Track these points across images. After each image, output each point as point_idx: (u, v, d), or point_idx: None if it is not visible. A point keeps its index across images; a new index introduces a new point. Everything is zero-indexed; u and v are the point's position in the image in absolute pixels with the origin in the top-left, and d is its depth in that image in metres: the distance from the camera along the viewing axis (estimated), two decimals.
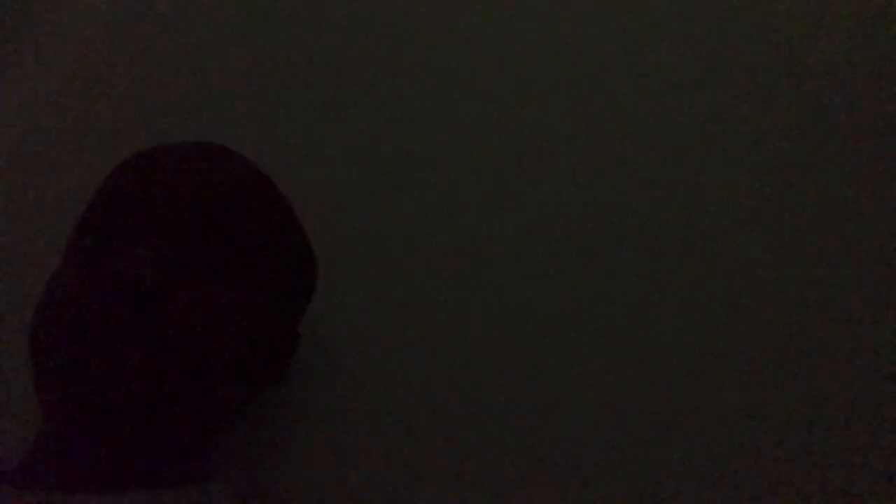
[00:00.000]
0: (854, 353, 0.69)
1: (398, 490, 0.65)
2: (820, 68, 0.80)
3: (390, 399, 0.69)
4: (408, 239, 0.78)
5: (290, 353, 0.64)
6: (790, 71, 0.82)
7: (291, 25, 0.94)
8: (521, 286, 0.74)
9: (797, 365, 0.68)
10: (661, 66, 0.85)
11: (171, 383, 0.50)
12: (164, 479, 0.53)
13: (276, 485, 0.66)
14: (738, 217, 0.75)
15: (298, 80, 0.90)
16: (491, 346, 0.71)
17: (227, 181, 0.57)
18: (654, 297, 0.73)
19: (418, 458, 0.66)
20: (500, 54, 0.89)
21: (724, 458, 0.65)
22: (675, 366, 0.69)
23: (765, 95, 0.81)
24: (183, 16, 0.93)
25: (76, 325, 0.49)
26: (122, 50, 0.90)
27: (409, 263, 0.76)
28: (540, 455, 0.66)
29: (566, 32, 0.90)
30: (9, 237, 0.76)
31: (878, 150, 0.76)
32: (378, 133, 0.85)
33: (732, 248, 0.74)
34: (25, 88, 0.86)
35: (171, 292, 0.51)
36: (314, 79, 0.90)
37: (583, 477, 0.64)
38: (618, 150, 0.81)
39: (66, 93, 0.86)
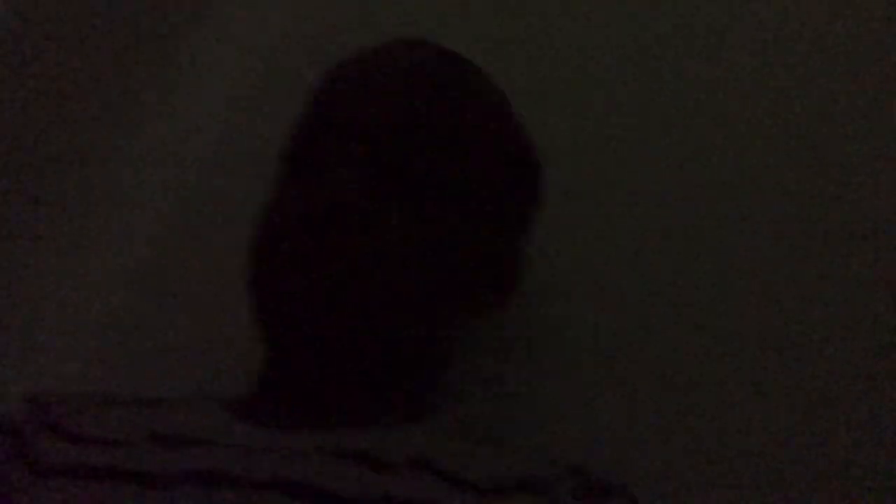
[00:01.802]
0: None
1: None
2: None
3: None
4: None
5: (516, 277, 0.59)
6: None
7: None
8: None
9: None
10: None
11: (391, 316, 0.48)
12: (390, 414, 0.50)
13: (496, 423, 0.62)
14: None
15: None
16: None
17: (435, 81, 0.52)
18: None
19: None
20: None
21: None
22: None
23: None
24: None
25: (288, 258, 0.47)
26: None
27: None
28: None
29: None
30: None
31: None
32: None
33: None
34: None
35: (381, 216, 0.48)
36: None
37: None
38: None
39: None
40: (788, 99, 0.74)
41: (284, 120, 0.56)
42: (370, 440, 0.46)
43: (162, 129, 0.76)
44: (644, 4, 0.78)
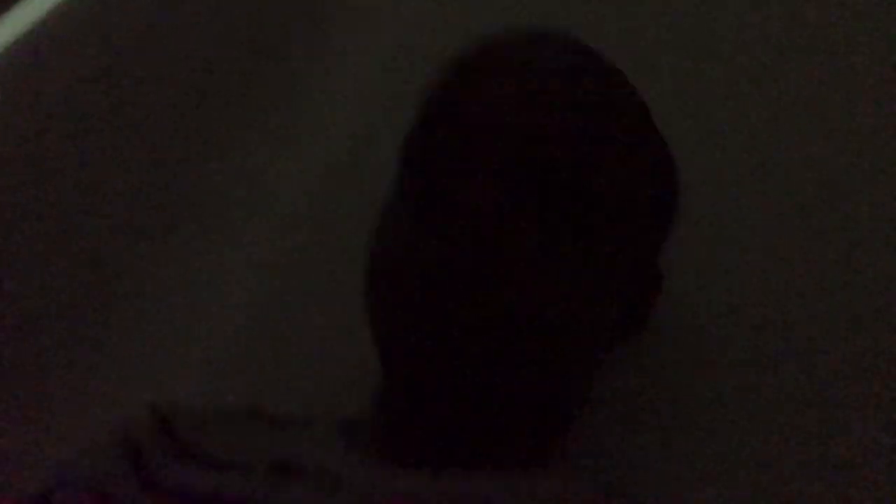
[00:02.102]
0: None
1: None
2: None
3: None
4: None
5: (655, 296, 0.53)
6: None
7: None
8: None
9: None
10: None
11: (531, 349, 0.42)
12: (518, 462, 0.46)
13: (633, 474, 0.56)
14: None
15: None
16: None
17: (581, 84, 0.45)
18: None
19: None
20: None
21: None
22: None
23: None
24: None
25: (412, 278, 0.41)
26: None
27: None
28: None
29: None
30: None
31: None
32: None
33: None
34: None
35: (521, 236, 0.41)
36: None
37: None
38: None
39: None
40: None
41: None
42: (501, 487, 0.43)
43: (291, 133, 0.73)
44: None
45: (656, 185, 0.51)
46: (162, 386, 0.62)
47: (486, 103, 0.43)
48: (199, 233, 0.69)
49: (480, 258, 0.40)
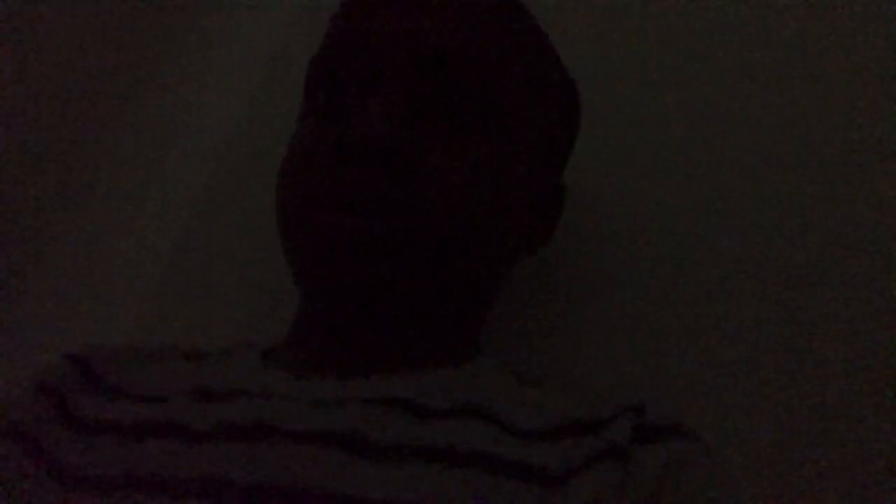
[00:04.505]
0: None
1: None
2: None
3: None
4: None
5: (559, 209, 0.57)
6: None
7: None
8: None
9: None
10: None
11: (430, 253, 0.44)
12: (433, 357, 0.47)
13: (546, 361, 0.60)
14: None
15: None
16: None
17: (472, 8, 0.47)
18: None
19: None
20: None
21: None
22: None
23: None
24: None
25: (322, 195, 0.43)
26: None
27: None
28: None
29: None
30: None
31: None
32: None
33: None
34: None
35: (414, 150, 0.43)
36: None
37: None
38: None
39: None
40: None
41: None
42: (413, 386, 0.44)
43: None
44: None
45: (560, 107, 0.54)
46: (80, 336, 0.65)
47: (382, 30, 0.45)
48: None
49: (388, 160, 0.42)
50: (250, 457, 0.39)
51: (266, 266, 0.62)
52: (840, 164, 0.61)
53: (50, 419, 0.46)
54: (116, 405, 0.46)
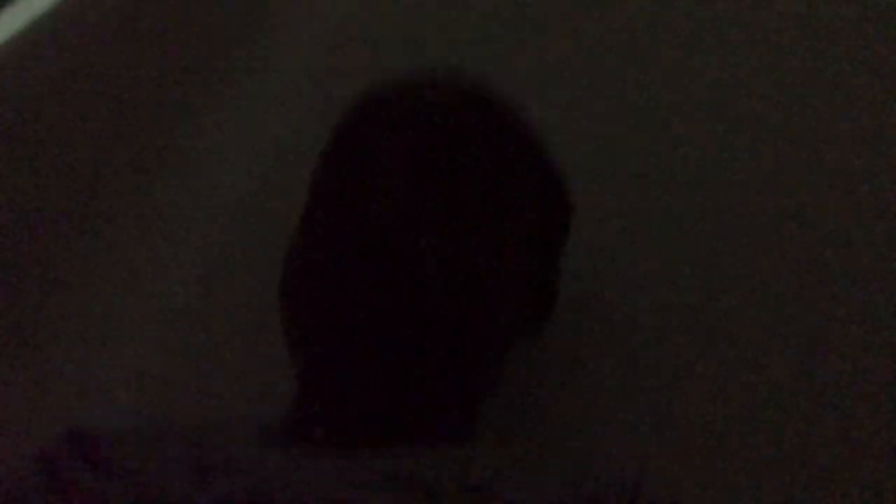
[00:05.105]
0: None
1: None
2: None
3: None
4: None
5: (552, 299, 0.61)
6: None
7: None
8: None
9: None
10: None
11: (430, 337, 0.47)
12: (426, 438, 0.50)
13: (537, 449, 0.63)
14: None
15: None
16: None
17: (470, 115, 0.53)
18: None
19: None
20: None
21: None
22: None
23: None
24: None
25: (325, 292, 0.47)
26: None
27: None
28: None
29: None
30: None
31: None
32: None
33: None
34: None
35: (415, 240, 0.47)
36: None
37: None
38: None
39: None
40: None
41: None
42: (416, 464, 0.45)
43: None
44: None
45: (544, 200, 0.59)
46: (82, 400, 0.65)
47: (386, 134, 0.50)
48: (120, 255, 0.72)
49: (389, 252, 0.46)
50: None
51: (267, 339, 0.63)
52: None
53: (46, 495, 0.46)
54: (114, 483, 0.46)
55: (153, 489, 0.45)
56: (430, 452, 0.47)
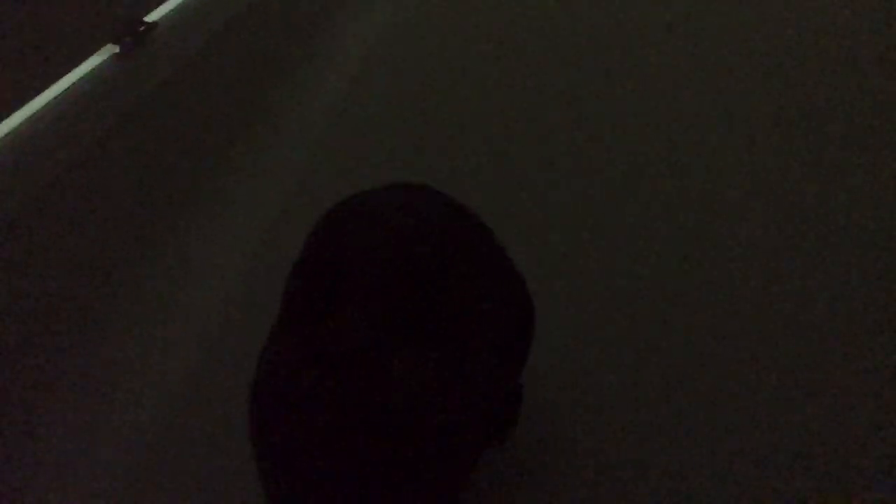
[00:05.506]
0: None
1: None
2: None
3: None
4: None
5: (516, 410, 0.61)
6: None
7: None
8: None
9: None
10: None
11: (400, 453, 0.47)
12: None
13: None
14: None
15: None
16: None
17: (434, 226, 0.52)
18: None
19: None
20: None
21: None
22: None
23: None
24: None
25: (295, 402, 0.47)
26: None
27: None
28: None
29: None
30: None
31: None
32: None
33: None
34: None
35: (387, 357, 0.47)
36: None
37: None
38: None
39: None
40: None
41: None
42: None
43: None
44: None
45: (513, 319, 0.57)
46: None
47: (354, 247, 0.50)
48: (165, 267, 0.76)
49: (359, 380, 0.45)
50: None
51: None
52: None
53: None
54: None
55: None
56: None
